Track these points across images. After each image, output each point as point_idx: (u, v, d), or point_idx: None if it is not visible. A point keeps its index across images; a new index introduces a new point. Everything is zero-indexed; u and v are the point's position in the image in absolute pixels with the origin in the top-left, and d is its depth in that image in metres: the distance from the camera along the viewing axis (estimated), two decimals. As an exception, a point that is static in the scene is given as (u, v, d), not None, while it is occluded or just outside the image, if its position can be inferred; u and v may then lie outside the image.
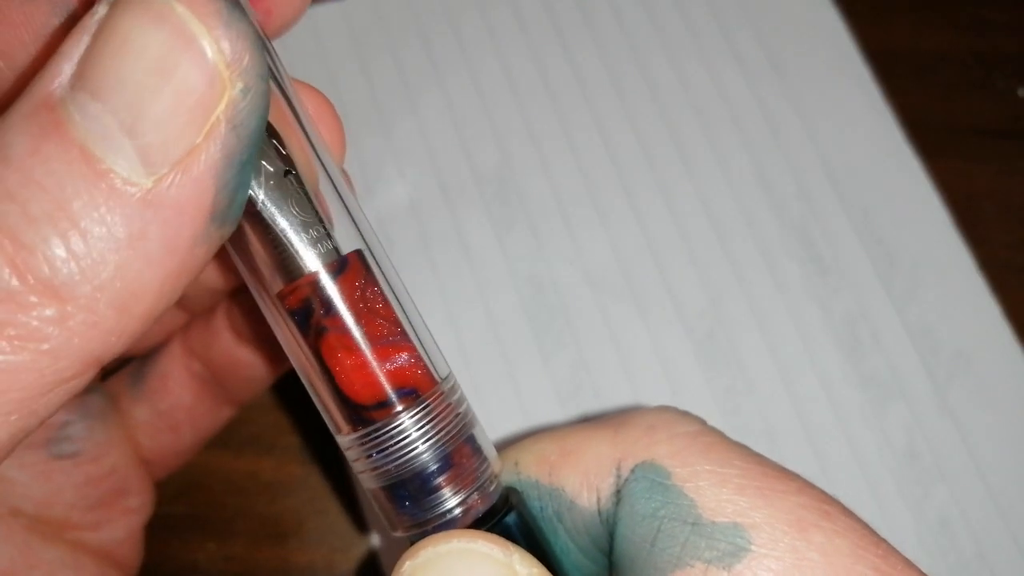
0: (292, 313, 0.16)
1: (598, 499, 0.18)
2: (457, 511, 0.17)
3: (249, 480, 0.31)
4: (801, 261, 0.33)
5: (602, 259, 0.33)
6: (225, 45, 0.13)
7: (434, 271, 0.32)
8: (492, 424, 0.31)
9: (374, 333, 0.16)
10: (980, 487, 0.30)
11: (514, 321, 0.32)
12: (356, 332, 0.16)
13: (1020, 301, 0.33)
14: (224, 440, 0.31)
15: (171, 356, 0.25)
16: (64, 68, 0.13)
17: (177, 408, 0.25)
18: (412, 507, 0.17)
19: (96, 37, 0.13)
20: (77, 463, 0.24)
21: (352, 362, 0.16)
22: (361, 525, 0.30)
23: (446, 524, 0.17)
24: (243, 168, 0.14)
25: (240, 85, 0.13)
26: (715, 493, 0.16)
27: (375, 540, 0.30)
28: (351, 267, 0.16)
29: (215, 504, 0.30)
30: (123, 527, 0.25)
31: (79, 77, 0.13)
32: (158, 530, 0.30)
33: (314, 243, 0.16)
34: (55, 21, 0.17)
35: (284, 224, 0.16)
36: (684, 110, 0.35)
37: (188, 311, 0.25)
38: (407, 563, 0.16)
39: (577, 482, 0.18)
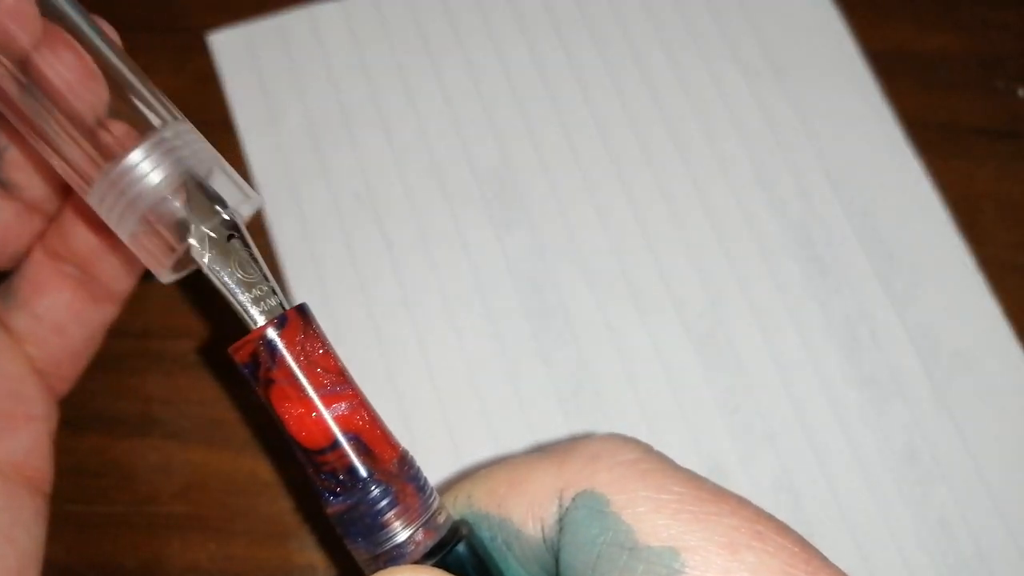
0: (243, 366, 0.18)
1: (543, 528, 0.19)
2: (408, 545, 0.18)
3: (250, 480, 0.31)
4: (801, 261, 0.33)
5: (602, 259, 0.33)
6: None
7: (434, 270, 0.33)
8: (492, 423, 0.31)
9: (316, 383, 0.18)
10: (980, 487, 0.30)
11: (514, 320, 0.32)
12: (300, 382, 0.18)
13: (1019, 301, 0.33)
14: (224, 440, 0.31)
15: (37, 263, 0.26)
16: None
17: (56, 307, 0.26)
18: (365, 542, 0.18)
19: None
20: None
21: (298, 411, 0.17)
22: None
23: (397, 558, 0.18)
24: None
25: None
26: (652, 519, 0.17)
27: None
28: (291, 322, 0.18)
29: (216, 504, 0.30)
30: (27, 436, 0.25)
31: None
32: (159, 530, 0.30)
33: (256, 301, 0.18)
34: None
35: (230, 284, 0.18)
36: (684, 110, 0.35)
37: (41, 214, 0.25)
38: None
39: (523, 512, 0.19)
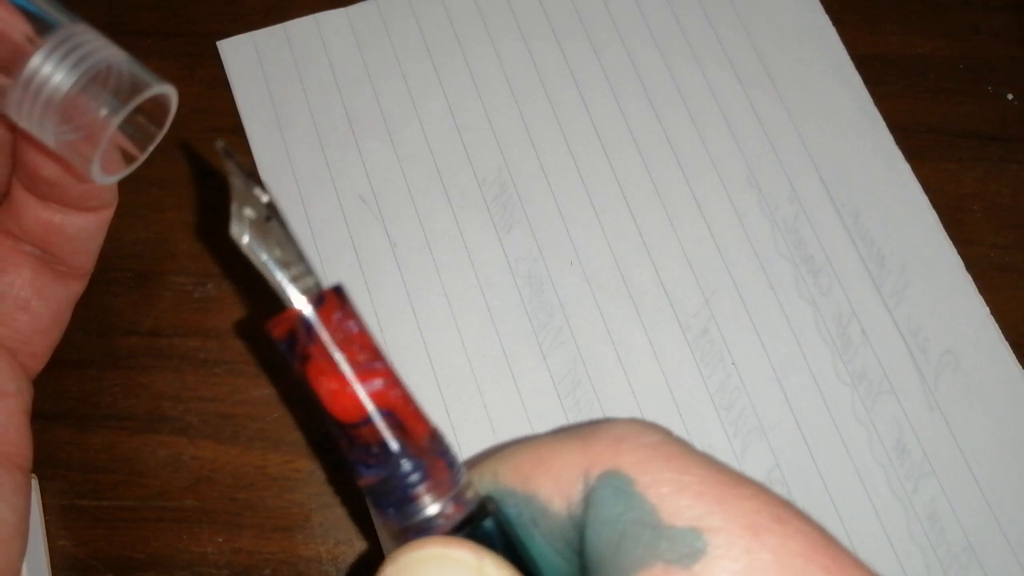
0: (281, 342, 0.18)
1: (568, 505, 0.19)
2: (438, 518, 0.18)
3: (257, 475, 0.31)
4: (793, 261, 0.33)
5: (600, 259, 0.33)
6: None
7: (437, 270, 0.33)
8: (493, 417, 0.31)
9: (352, 359, 0.18)
10: (969, 481, 0.31)
11: (514, 319, 0.33)
12: (335, 358, 0.18)
13: (1007, 300, 0.33)
14: (232, 435, 0.32)
15: None
16: None
17: (18, 285, 0.26)
18: (396, 513, 0.18)
19: None
20: None
21: (333, 386, 0.18)
22: (366, 519, 0.31)
23: (427, 530, 0.18)
24: None
25: None
26: (675, 499, 0.17)
27: (380, 536, 0.31)
28: (328, 301, 0.18)
29: (224, 498, 0.31)
30: (1, 412, 0.25)
31: None
32: (168, 523, 0.31)
33: (294, 280, 0.18)
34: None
35: (269, 264, 0.18)
36: (679, 113, 0.35)
37: None
38: (387, 567, 0.17)
39: (549, 489, 0.19)
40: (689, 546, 0.17)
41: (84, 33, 0.20)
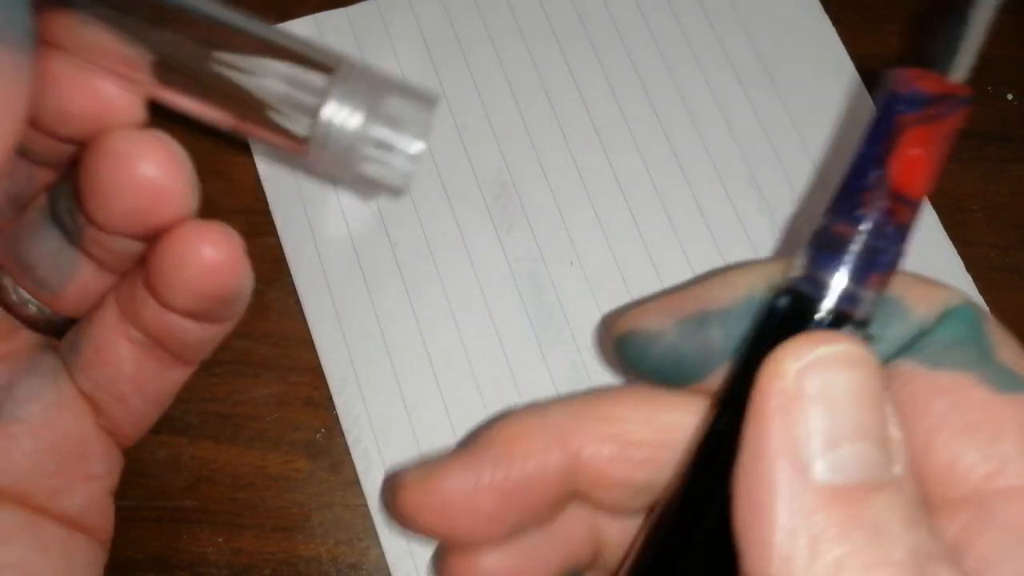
0: (910, 93, 0.19)
1: (925, 316, 0.20)
2: (855, 300, 0.18)
3: (256, 475, 0.31)
4: (793, 261, 0.34)
5: (600, 259, 0.34)
6: None
7: (437, 270, 0.33)
8: (492, 417, 0.31)
9: (944, 153, 0.19)
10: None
11: (514, 319, 0.33)
12: (945, 140, 0.19)
13: (1007, 300, 0.33)
14: (232, 436, 0.32)
15: (104, 323, 0.23)
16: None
17: (117, 380, 0.23)
18: (829, 269, 0.18)
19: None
20: (27, 428, 0.22)
21: (922, 156, 0.19)
22: (365, 519, 0.31)
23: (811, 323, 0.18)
24: None
25: None
26: (1013, 354, 0.19)
27: (380, 536, 0.31)
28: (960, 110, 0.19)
29: (223, 498, 0.31)
30: (84, 495, 0.23)
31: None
32: (168, 524, 0.31)
33: None
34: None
35: None
36: (679, 114, 0.36)
37: (111, 271, 0.23)
38: (787, 361, 0.17)
39: (916, 299, 0.20)
40: (1010, 380, 0.18)
41: (355, 71, 0.19)
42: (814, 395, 0.16)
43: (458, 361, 0.32)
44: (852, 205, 0.19)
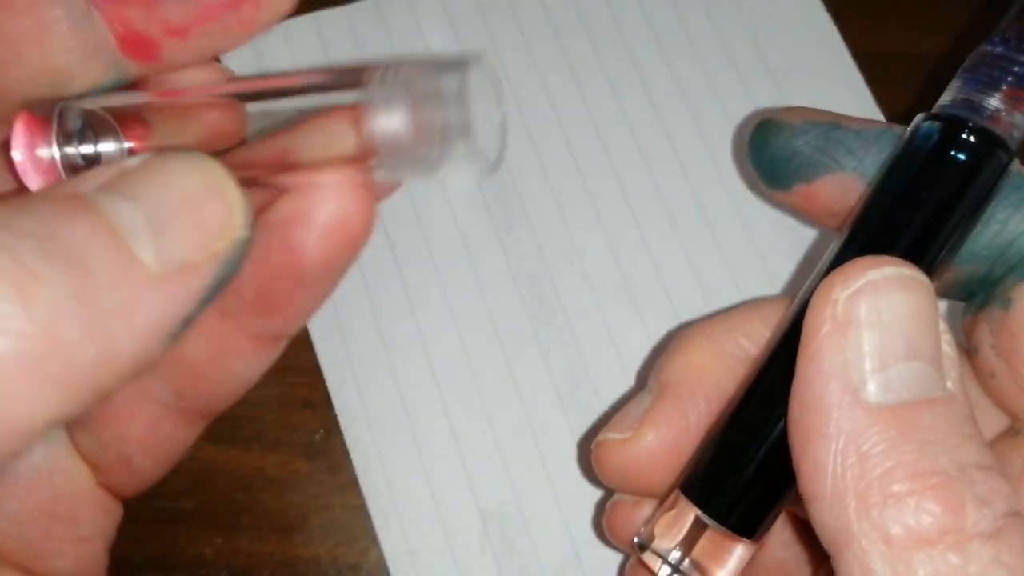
0: None
1: None
2: (1006, 117, 0.19)
3: (255, 476, 0.31)
4: (794, 261, 0.34)
5: (600, 259, 0.33)
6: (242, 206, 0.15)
7: (436, 271, 0.33)
8: (492, 419, 0.31)
9: None
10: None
11: (514, 320, 0.33)
12: None
13: (1010, 299, 0.33)
14: (230, 437, 0.32)
15: None
16: (96, 181, 0.15)
17: (124, 441, 0.21)
18: (975, 85, 0.19)
19: (142, 165, 0.15)
20: (11, 489, 0.21)
21: None
22: (364, 520, 0.31)
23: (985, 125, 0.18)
24: (209, 300, 0.15)
25: (242, 234, 0.15)
26: None
27: (379, 536, 0.31)
28: None
29: (222, 499, 0.31)
30: (72, 558, 0.22)
31: (109, 186, 0.14)
32: (166, 524, 0.31)
33: None
34: (59, 12, 0.17)
35: None
36: (681, 112, 0.36)
37: None
38: (836, 289, 0.17)
39: None
40: None
41: (397, 77, 0.18)
42: (864, 319, 0.16)
43: (457, 361, 0.32)
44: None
